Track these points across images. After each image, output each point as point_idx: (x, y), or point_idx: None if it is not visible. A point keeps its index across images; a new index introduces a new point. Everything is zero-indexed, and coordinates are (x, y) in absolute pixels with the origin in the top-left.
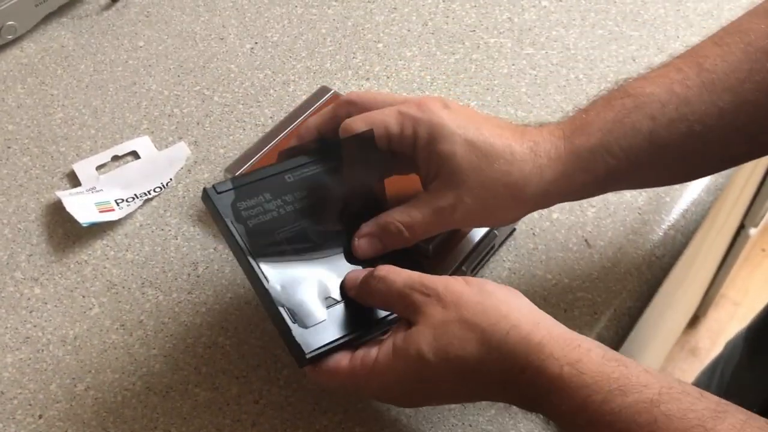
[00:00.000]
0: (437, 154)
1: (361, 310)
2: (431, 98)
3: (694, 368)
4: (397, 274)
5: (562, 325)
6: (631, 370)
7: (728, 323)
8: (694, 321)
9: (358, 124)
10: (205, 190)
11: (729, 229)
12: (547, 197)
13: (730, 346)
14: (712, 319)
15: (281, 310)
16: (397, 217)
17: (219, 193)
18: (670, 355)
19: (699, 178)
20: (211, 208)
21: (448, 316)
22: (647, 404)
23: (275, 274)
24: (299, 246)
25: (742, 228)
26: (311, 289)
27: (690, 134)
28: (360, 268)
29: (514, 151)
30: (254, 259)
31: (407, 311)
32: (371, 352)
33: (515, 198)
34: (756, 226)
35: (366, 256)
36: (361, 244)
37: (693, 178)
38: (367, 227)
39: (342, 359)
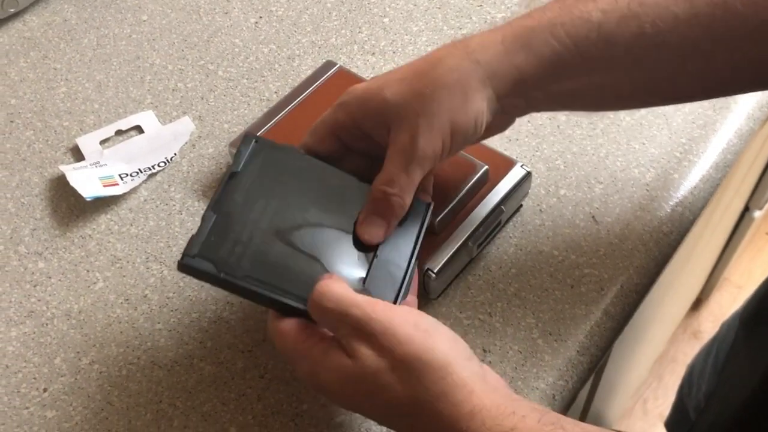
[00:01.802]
0: (374, 111)
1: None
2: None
3: (696, 351)
4: (334, 301)
5: (503, 389)
6: None
7: (731, 307)
8: (697, 304)
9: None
10: (180, 263)
11: (734, 212)
12: (499, 85)
13: (725, 327)
14: (714, 303)
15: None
16: (375, 183)
17: (193, 257)
18: (672, 338)
19: (663, 98)
20: (196, 274)
21: (379, 365)
22: None
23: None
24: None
25: (746, 210)
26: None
27: (641, 35)
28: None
29: (441, 57)
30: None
31: (342, 342)
32: (314, 340)
33: (461, 94)
34: (761, 209)
35: (377, 238)
36: (365, 229)
37: (656, 94)
38: (363, 211)
39: (294, 329)
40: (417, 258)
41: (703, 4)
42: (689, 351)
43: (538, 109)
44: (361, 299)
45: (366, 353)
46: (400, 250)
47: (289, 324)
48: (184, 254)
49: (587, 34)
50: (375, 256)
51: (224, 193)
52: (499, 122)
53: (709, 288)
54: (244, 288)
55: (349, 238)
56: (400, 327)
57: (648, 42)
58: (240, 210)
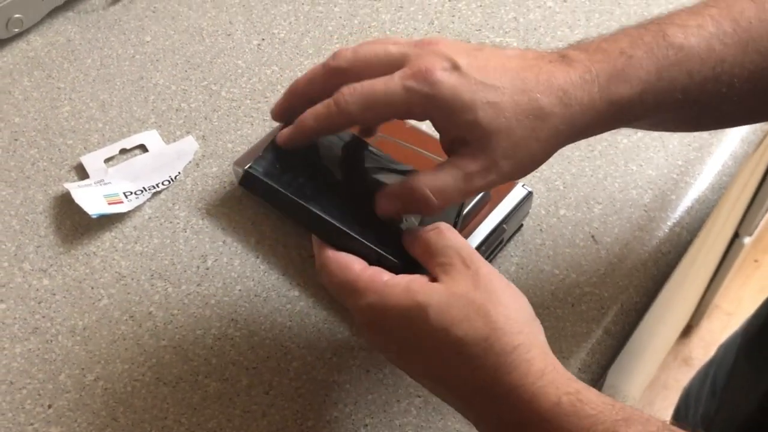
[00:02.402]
0: (459, 126)
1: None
2: (434, 57)
3: (687, 377)
4: (452, 233)
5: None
6: (629, 406)
7: (721, 333)
8: (687, 330)
9: (357, 107)
10: (245, 172)
11: (724, 238)
12: (570, 140)
13: (723, 350)
14: (704, 329)
15: None
16: (425, 181)
17: (260, 169)
18: (663, 364)
19: (709, 129)
20: (258, 187)
21: (472, 295)
22: None
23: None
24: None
25: (736, 237)
26: None
27: (716, 94)
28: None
29: (542, 106)
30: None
31: (439, 269)
32: (384, 274)
33: (548, 151)
34: (750, 235)
35: (383, 212)
36: (381, 202)
37: (704, 129)
38: (392, 188)
39: (357, 262)
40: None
41: None
42: (680, 377)
43: None
44: (468, 245)
45: (464, 281)
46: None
47: (348, 258)
48: (250, 166)
49: (672, 99)
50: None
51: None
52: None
53: (699, 314)
54: (310, 210)
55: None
56: (497, 279)
57: (721, 99)
58: (300, 155)
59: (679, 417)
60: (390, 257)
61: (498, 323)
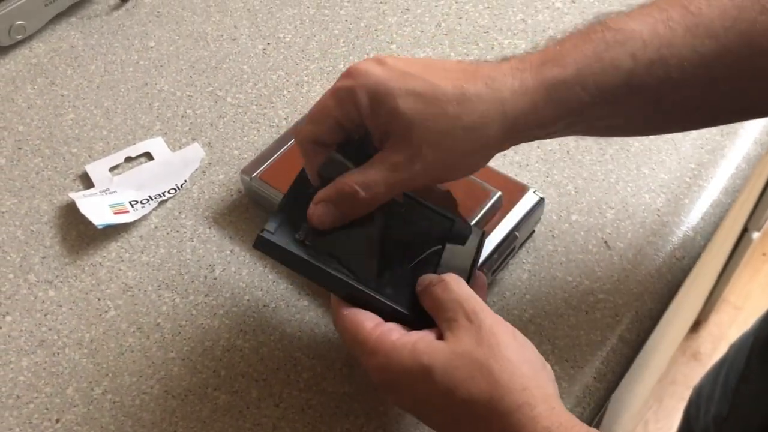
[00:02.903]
0: (382, 115)
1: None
2: (364, 60)
3: (695, 373)
4: (457, 286)
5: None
6: None
7: (729, 328)
8: (696, 325)
9: (306, 136)
10: (258, 237)
11: (733, 233)
12: (514, 133)
13: (734, 350)
14: (713, 324)
15: None
16: (352, 177)
17: (273, 233)
18: (672, 359)
19: (671, 132)
20: (272, 250)
21: (475, 354)
22: None
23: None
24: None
25: (745, 231)
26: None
27: (667, 80)
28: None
29: (465, 92)
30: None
31: (445, 324)
32: (393, 334)
33: (477, 140)
34: (759, 229)
35: (322, 223)
36: (316, 210)
37: (665, 131)
38: (322, 192)
39: (368, 320)
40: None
41: (729, 41)
42: (689, 373)
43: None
44: (475, 297)
45: (467, 339)
46: (457, 269)
47: (361, 315)
48: (263, 230)
49: (615, 83)
50: (438, 266)
51: (300, 185)
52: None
53: (708, 309)
54: (322, 270)
55: (413, 249)
56: (504, 332)
57: (673, 85)
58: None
59: (690, 416)
60: (402, 310)
61: (501, 381)
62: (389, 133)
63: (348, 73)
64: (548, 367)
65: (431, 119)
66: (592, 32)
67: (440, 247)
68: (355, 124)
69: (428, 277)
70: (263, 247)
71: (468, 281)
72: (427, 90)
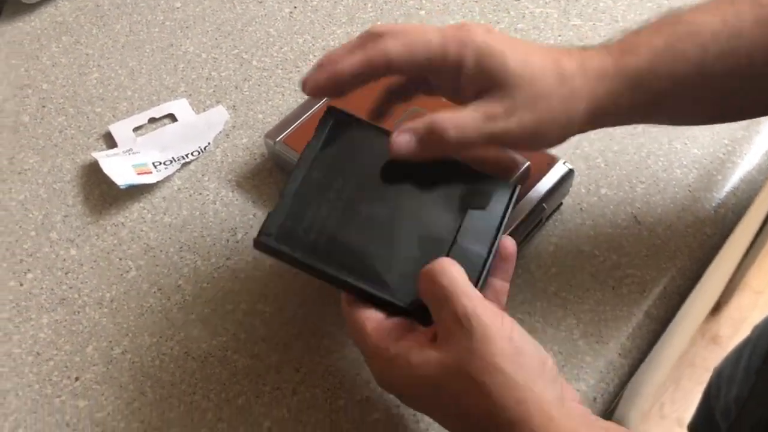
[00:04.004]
0: (487, 71)
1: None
2: (473, 23)
3: (714, 356)
4: (449, 279)
5: (583, 416)
6: None
7: (750, 312)
8: (717, 308)
9: (398, 48)
10: (256, 240)
11: (757, 216)
12: (594, 117)
13: (758, 331)
14: (734, 308)
15: None
16: (445, 115)
17: (270, 235)
18: (690, 342)
19: (740, 119)
20: (272, 253)
21: (467, 367)
22: None
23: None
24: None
25: None
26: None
27: (737, 69)
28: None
29: (564, 67)
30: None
31: (438, 325)
32: (390, 338)
33: (567, 112)
34: None
35: (399, 153)
36: (398, 139)
37: (734, 119)
38: (409, 123)
39: (369, 320)
40: (498, 245)
41: None
42: (707, 355)
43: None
44: (475, 293)
45: (458, 346)
46: (481, 236)
47: (366, 314)
48: (261, 232)
49: (688, 72)
50: (454, 242)
51: (303, 169)
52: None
53: (729, 292)
54: (321, 270)
55: (427, 223)
56: (498, 337)
57: (742, 76)
58: (318, 188)
59: (709, 398)
60: (401, 305)
61: (494, 397)
62: (490, 88)
63: (459, 27)
64: (549, 363)
65: (533, 83)
66: (663, 25)
67: (458, 222)
68: (444, 75)
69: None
70: (262, 248)
71: (491, 250)
72: (532, 59)
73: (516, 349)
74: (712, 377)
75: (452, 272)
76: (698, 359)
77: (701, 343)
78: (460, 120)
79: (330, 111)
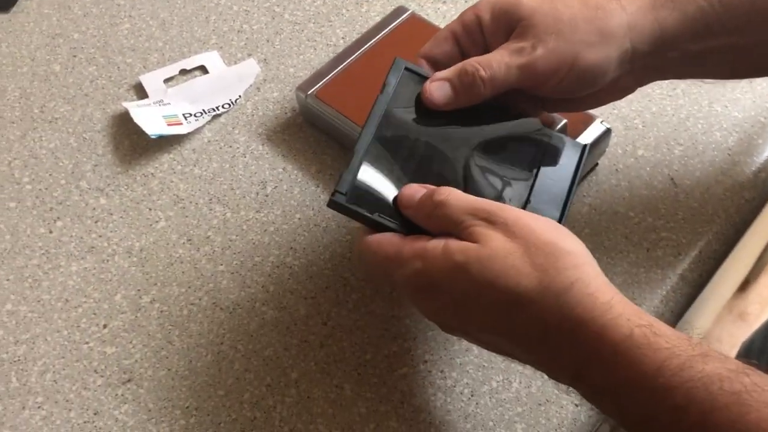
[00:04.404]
0: (503, 12)
1: None
2: None
3: (742, 332)
4: (459, 199)
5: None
6: (705, 342)
7: None
8: (745, 285)
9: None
10: (330, 200)
11: None
12: (639, 39)
13: None
14: (763, 285)
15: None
16: (473, 58)
17: (345, 193)
18: (718, 318)
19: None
20: (346, 212)
21: (509, 246)
22: (732, 373)
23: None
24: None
25: None
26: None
27: None
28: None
29: None
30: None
31: (465, 235)
32: (422, 240)
33: (599, 32)
34: None
35: (434, 101)
36: (431, 87)
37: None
38: (442, 72)
39: (393, 236)
40: (571, 204)
41: None
42: (735, 332)
43: (667, 76)
44: (481, 200)
45: (496, 236)
46: (552, 198)
47: (384, 234)
48: (335, 191)
49: None
50: (527, 202)
51: (372, 125)
52: (622, 84)
53: (759, 269)
54: (394, 230)
55: (499, 183)
56: (531, 220)
57: None
58: (389, 145)
59: None
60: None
61: (547, 264)
62: (512, 29)
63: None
64: (583, 246)
65: (552, 10)
66: None
67: (530, 181)
68: (473, 40)
69: (411, 193)
70: (335, 208)
71: (563, 213)
72: None
73: (555, 226)
74: (740, 350)
75: (459, 195)
76: (725, 335)
77: (728, 318)
78: (488, 59)
79: (398, 64)
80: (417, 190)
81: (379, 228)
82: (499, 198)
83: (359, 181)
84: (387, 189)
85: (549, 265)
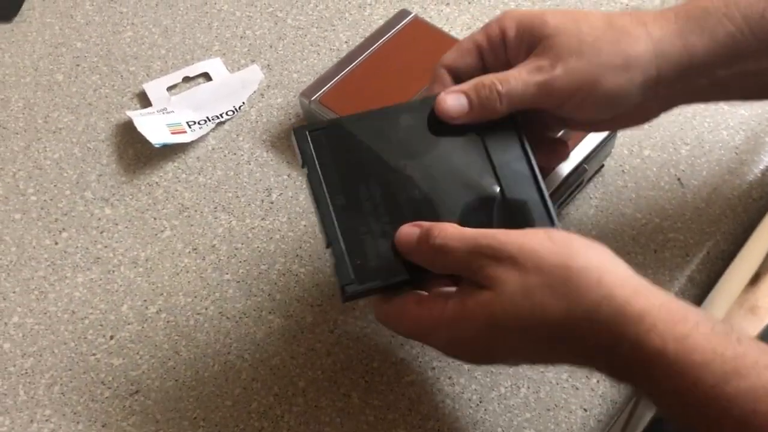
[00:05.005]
0: (528, 29)
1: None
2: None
3: (752, 326)
4: (458, 239)
5: (664, 291)
6: (745, 347)
7: None
8: (756, 278)
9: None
10: (344, 297)
11: None
12: (665, 64)
13: None
14: None
15: (339, 237)
16: (491, 74)
17: (351, 284)
18: (728, 312)
19: None
20: (363, 295)
21: (527, 281)
22: (767, 391)
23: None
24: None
25: None
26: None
27: None
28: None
29: (611, 16)
30: (328, 193)
31: (477, 277)
32: (439, 304)
33: (622, 54)
34: None
35: (448, 112)
36: (447, 98)
37: None
38: (458, 85)
39: (409, 304)
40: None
41: None
42: (746, 326)
43: (693, 101)
44: (484, 231)
45: (510, 276)
46: (521, 179)
47: (398, 304)
48: (342, 286)
49: (762, 13)
50: (503, 191)
51: (324, 205)
52: (646, 109)
53: None
54: (408, 281)
55: (465, 186)
56: (536, 243)
57: None
58: (351, 210)
59: None
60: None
61: (569, 292)
62: (535, 46)
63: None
64: (604, 246)
65: (578, 31)
66: None
67: (492, 176)
68: (495, 55)
69: (409, 234)
70: (353, 299)
71: (540, 187)
72: (574, 13)
73: (562, 242)
74: None
75: (450, 231)
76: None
77: (739, 312)
78: (506, 74)
79: (298, 133)
80: (410, 233)
81: (397, 287)
82: (478, 199)
83: (353, 260)
84: (382, 247)
85: (571, 292)
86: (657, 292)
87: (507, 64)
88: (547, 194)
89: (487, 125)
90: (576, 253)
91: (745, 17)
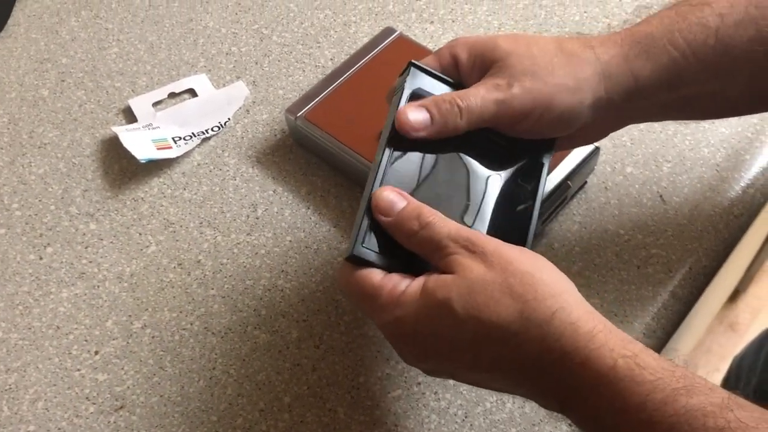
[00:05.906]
0: (480, 54)
1: None
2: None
3: (732, 343)
4: (443, 224)
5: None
6: (690, 372)
7: None
8: (735, 295)
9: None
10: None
11: None
12: (613, 86)
13: None
14: (752, 295)
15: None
16: (448, 93)
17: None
18: (708, 329)
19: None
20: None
21: (489, 276)
22: (716, 408)
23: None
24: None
25: None
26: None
27: (758, 39)
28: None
29: (561, 41)
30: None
31: (444, 263)
32: (401, 284)
33: (573, 75)
34: None
35: (410, 124)
36: (408, 112)
37: (752, 107)
38: (419, 101)
39: (373, 273)
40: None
41: None
42: (725, 342)
43: (642, 120)
44: (465, 229)
45: (475, 266)
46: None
47: (367, 272)
48: (355, 244)
49: (705, 40)
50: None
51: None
52: (596, 129)
53: (748, 279)
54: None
55: (473, 194)
56: (510, 251)
57: (765, 46)
58: (399, 168)
59: (728, 385)
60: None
61: (527, 295)
62: (489, 68)
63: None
64: (566, 277)
65: (530, 55)
66: (675, 3)
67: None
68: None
69: (390, 200)
70: (356, 262)
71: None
72: (525, 38)
73: (533, 257)
74: (731, 366)
75: (442, 220)
76: (715, 346)
77: (719, 329)
78: (466, 92)
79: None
80: (395, 201)
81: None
82: (479, 205)
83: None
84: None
85: (528, 295)
86: (606, 320)
87: (453, 72)
88: (534, 226)
89: (522, 149)
90: (541, 269)
91: (689, 43)
